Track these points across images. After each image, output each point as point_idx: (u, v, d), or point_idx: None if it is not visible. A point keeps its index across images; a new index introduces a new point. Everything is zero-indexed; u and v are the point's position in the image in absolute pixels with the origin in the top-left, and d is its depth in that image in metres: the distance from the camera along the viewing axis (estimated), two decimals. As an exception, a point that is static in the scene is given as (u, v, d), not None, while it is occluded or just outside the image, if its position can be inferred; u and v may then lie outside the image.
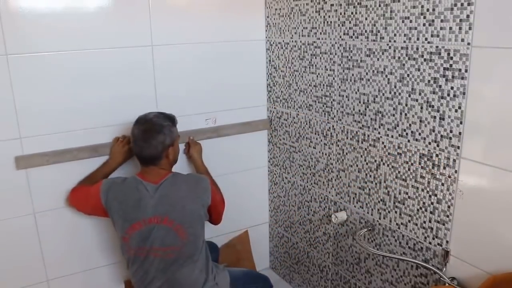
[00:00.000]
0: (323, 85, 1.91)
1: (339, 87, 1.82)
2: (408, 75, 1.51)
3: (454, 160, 1.40)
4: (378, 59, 1.61)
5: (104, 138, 1.91)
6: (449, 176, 1.43)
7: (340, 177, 1.90)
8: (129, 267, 1.77)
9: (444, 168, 1.44)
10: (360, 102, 1.73)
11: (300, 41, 2.00)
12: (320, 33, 1.87)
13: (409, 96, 1.51)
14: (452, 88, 1.37)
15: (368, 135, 1.72)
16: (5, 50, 1.67)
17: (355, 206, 1.84)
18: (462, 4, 1.29)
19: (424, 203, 1.53)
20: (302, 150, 2.12)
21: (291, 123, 2.16)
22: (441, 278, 1.47)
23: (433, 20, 1.39)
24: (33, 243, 1.88)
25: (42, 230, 1.89)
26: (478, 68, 1.29)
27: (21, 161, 1.77)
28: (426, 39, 1.42)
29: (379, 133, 1.67)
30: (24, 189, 1.82)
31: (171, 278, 1.71)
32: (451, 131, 1.40)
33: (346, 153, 1.84)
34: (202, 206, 1.76)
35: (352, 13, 1.69)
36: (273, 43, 2.18)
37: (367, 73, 1.67)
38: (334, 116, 1.88)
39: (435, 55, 1.40)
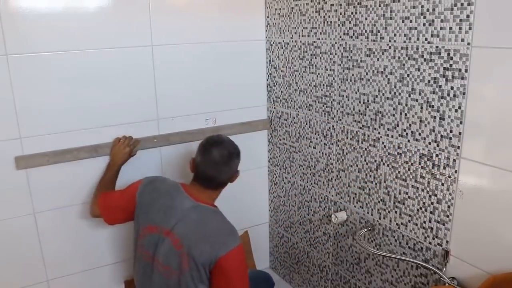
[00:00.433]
0: (323, 85, 1.91)
1: (339, 87, 1.82)
2: (408, 75, 1.51)
3: (454, 160, 1.40)
4: (378, 59, 1.61)
5: (104, 138, 1.91)
6: (449, 176, 1.43)
7: (340, 177, 1.90)
8: (134, 265, 1.74)
9: (444, 168, 1.44)
10: (360, 102, 1.73)
11: (300, 41, 2.00)
12: (320, 33, 1.87)
13: (409, 96, 1.51)
14: (452, 88, 1.37)
15: (368, 135, 1.72)
16: (5, 50, 1.66)
17: (355, 206, 1.84)
18: (462, 4, 1.29)
19: (424, 203, 1.53)
20: (302, 150, 2.12)
21: (291, 123, 2.16)
22: (441, 278, 1.47)
23: (433, 20, 1.39)
24: (33, 243, 1.88)
25: (42, 230, 1.89)
26: (478, 68, 1.29)
27: (21, 161, 1.77)
28: (426, 39, 1.42)
29: (379, 133, 1.67)
30: (24, 189, 1.81)
31: None
32: (451, 131, 1.40)
33: (346, 153, 1.84)
34: (209, 260, 1.54)
35: (352, 13, 1.69)
36: (273, 43, 2.18)
37: (367, 73, 1.67)
38: (334, 116, 1.88)
39: (435, 55, 1.40)
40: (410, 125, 1.53)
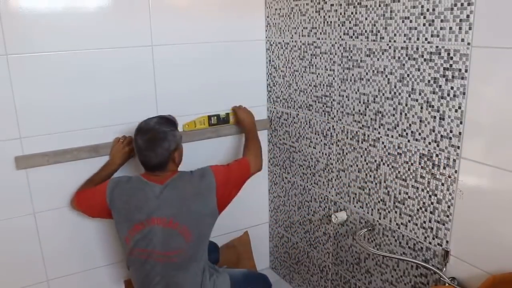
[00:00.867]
0: (323, 85, 1.91)
1: (339, 87, 1.82)
2: (408, 75, 1.51)
3: (454, 160, 1.40)
4: (378, 59, 1.61)
5: (104, 138, 1.91)
6: (449, 176, 1.43)
7: (340, 177, 1.90)
8: (129, 268, 1.77)
9: (444, 168, 1.44)
10: (360, 102, 1.73)
11: (300, 41, 2.00)
12: (320, 33, 1.87)
13: (409, 96, 1.51)
14: (452, 88, 1.37)
15: (368, 135, 1.72)
16: (5, 50, 1.67)
17: (355, 206, 1.84)
18: (462, 4, 1.29)
19: (424, 203, 1.53)
20: (302, 150, 2.12)
21: (291, 123, 2.16)
22: (441, 278, 1.47)
23: (433, 20, 1.39)
24: (33, 243, 1.88)
25: (42, 230, 1.89)
26: (478, 68, 1.29)
27: (21, 161, 1.77)
28: (426, 39, 1.42)
29: (379, 133, 1.67)
30: (24, 189, 1.82)
31: (171, 282, 1.69)
32: (451, 131, 1.40)
33: (346, 153, 1.84)
34: (210, 202, 1.73)
35: (352, 13, 1.69)
36: (273, 43, 2.18)
37: (367, 73, 1.67)
38: (334, 116, 1.88)
39: (435, 55, 1.40)
40: (410, 125, 1.53)
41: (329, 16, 1.81)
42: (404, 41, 1.50)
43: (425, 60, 1.44)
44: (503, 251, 1.31)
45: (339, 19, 1.76)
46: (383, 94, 1.62)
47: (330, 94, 1.88)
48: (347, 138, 1.82)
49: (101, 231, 2.01)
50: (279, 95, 2.21)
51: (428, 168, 1.49)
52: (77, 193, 1.83)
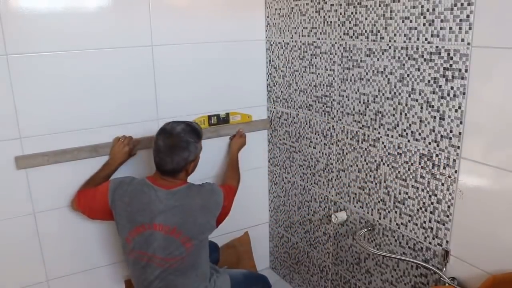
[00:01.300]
0: (323, 85, 1.91)
1: (339, 87, 1.82)
2: (408, 75, 1.51)
3: (454, 160, 1.40)
4: (378, 59, 1.61)
5: (104, 138, 1.91)
6: (449, 176, 1.43)
7: (340, 177, 1.90)
8: (129, 268, 1.77)
9: (444, 168, 1.44)
10: (360, 102, 1.73)
11: (300, 41, 2.00)
12: (320, 33, 1.87)
13: (409, 96, 1.51)
14: (452, 88, 1.37)
15: (368, 135, 1.72)
16: (5, 50, 1.67)
17: (355, 206, 1.84)
18: (462, 4, 1.29)
19: (424, 203, 1.53)
20: (302, 150, 2.12)
21: (291, 123, 2.16)
22: (441, 278, 1.47)
23: (433, 20, 1.39)
24: (33, 243, 1.88)
25: (42, 230, 1.89)
26: (478, 68, 1.29)
27: (21, 161, 1.77)
28: (426, 39, 1.42)
29: (379, 133, 1.67)
30: (24, 189, 1.81)
31: (170, 285, 1.69)
32: (451, 131, 1.40)
33: (346, 153, 1.84)
34: (213, 218, 1.75)
35: (352, 13, 1.69)
36: (273, 43, 2.18)
37: (367, 73, 1.67)
38: (334, 116, 1.88)
39: (435, 55, 1.40)
40: (410, 125, 1.53)
41: (329, 16, 1.81)
42: (404, 41, 1.50)
43: (425, 60, 1.44)
44: (503, 251, 1.31)
45: (339, 19, 1.76)
46: (383, 94, 1.62)
47: (330, 94, 1.88)
48: (347, 138, 1.82)
49: (101, 231, 2.01)
50: (279, 95, 2.21)
51: (428, 168, 1.49)
52: (78, 194, 1.82)
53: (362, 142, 1.75)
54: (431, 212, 1.51)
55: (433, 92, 1.43)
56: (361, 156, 1.76)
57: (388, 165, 1.65)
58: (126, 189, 1.71)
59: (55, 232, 1.92)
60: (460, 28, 1.31)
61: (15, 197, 1.81)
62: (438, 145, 1.45)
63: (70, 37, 1.77)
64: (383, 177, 1.68)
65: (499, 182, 1.29)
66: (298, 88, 2.07)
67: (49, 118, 1.80)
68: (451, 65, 1.36)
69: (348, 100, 1.78)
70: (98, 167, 1.90)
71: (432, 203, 1.50)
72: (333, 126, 1.89)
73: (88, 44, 1.81)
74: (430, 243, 1.54)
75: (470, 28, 1.29)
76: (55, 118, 1.81)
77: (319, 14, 1.86)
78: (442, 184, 1.45)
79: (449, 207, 1.45)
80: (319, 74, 1.92)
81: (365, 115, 1.71)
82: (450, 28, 1.34)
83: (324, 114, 1.93)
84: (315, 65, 1.93)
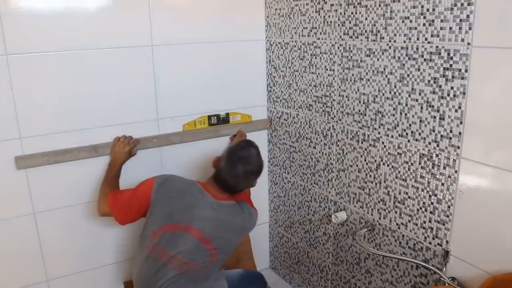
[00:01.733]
0: (323, 85, 1.91)
1: (339, 87, 1.82)
2: (408, 75, 1.51)
3: (454, 160, 1.40)
4: (378, 59, 1.61)
5: (104, 138, 1.91)
6: (449, 176, 1.43)
7: (340, 177, 1.90)
8: (140, 263, 1.69)
9: (444, 168, 1.44)
10: (360, 102, 1.73)
11: (300, 41, 2.00)
12: (320, 33, 1.87)
13: (409, 96, 1.51)
14: (452, 88, 1.37)
15: (368, 135, 1.72)
16: (5, 50, 1.67)
17: (355, 206, 1.84)
18: (462, 4, 1.29)
19: (424, 203, 1.53)
20: (302, 150, 2.12)
21: (291, 123, 2.16)
22: (441, 278, 1.47)
23: (433, 20, 1.39)
24: (33, 243, 1.88)
25: (42, 230, 1.89)
26: (478, 68, 1.29)
27: (21, 161, 1.77)
28: (426, 39, 1.42)
29: (379, 133, 1.67)
30: (24, 189, 1.81)
31: None
32: (451, 131, 1.40)
33: (346, 153, 1.84)
34: (239, 240, 1.81)
35: (352, 13, 1.69)
36: (273, 43, 2.18)
37: (367, 73, 1.67)
38: (334, 116, 1.88)
39: (435, 55, 1.40)
40: (410, 125, 1.53)
41: (329, 16, 1.81)
42: (404, 41, 1.50)
43: (425, 60, 1.44)
44: (503, 251, 1.31)
45: (339, 19, 1.76)
46: (383, 94, 1.62)
47: (330, 94, 1.88)
48: (347, 138, 1.82)
49: (101, 231, 2.01)
50: (279, 95, 2.21)
51: (428, 168, 1.49)
52: (109, 197, 1.74)
53: (362, 142, 1.75)
54: (431, 212, 1.51)
55: (433, 92, 1.43)
56: (361, 156, 1.76)
57: (388, 165, 1.65)
58: (175, 185, 1.72)
59: (55, 232, 1.92)
60: (460, 28, 1.31)
61: (15, 197, 1.81)
62: (438, 145, 1.45)
63: (70, 37, 1.77)
64: (383, 177, 1.68)
65: (499, 182, 1.29)
66: (298, 88, 2.07)
67: (49, 118, 1.80)
68: (451, 65, 1.36)
69: (348, 100, 1.78)
70: (98, 167, 1.90)
71: (432, 203, 1.50)
72: (333, 126, 1.89)
73: (88, 44, 1.81)
74: (430, 243, 1.54)
75: (470, 28, 1.29)
76: (55, 118, 1.81)
77: (319, 14, 1.86)
78: (442, 184, 1.45)
79: (449, 207, 1.45)
80: (319, 74, 1.92)
81: (365, 115, 1.71)
82: (450, 28, 1.34)
83: (324, 114, 1.93)
84: (315, 65, 1.93)
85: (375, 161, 1.70)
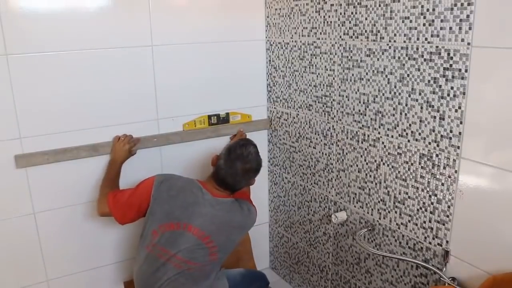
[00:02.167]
0: (323, 85, 1.91)
1: (339, 87, 1.82)
2: (408, 75, 1.51)
3: (454, 160, 1.40)
4: (378, 59, 1.61)
5: (104, 137, 1.91)
6: (449, 176, 1.43)
7: (340, 177, 1.90)
8: (140, 262, 1.70)
9: (444, 168, 1.44)
10: (360, 102, 1.73)
11: (300, 41, 2.00)
12: (320, 33, 1.87)
13: (409, 96, 1.51)
14: (452, 88, 1.37)
15: (368, 135, 1.72)
16: (5, 50, 1.67)
17: (355, 206, 1.84)
18: (462, 4, 1.29)
19: (424, 203, 1.53)
20: (302, 150, 2.12)
21: (291, 123, 2.16)
22: (441, 278, 1.47)
23: (433, 20, 1.39)
24: (33, 243, 1.88)
25: (42, 230, 1.89)
26: (478, 68, 1.29)
27: (21, 159, 1.77)
28: (426, 39, 1.42)
29: (379, 133, 1.67)
30: (24, 188, 1.81)
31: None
32: (451, 131, 1.40)
33: (346, 153, 1.84)
34: (240, 238, 1.82)
35: (352, 13, 1.69)
36: (273, 43, 2.18)
37: (367, 73, 1.67)
38: (334, 116, 1.88)
39: (435, 55, 1.40)
40: (410, 125, 1.53)
41: (329, 16, 1.81)
42: (404, 41, 1.50)
43: (425, 60, 1.44)
44: (503, 251, 1.31)
45: (339, 19, 1.76)
46: (383, 94, 1.62)
47: (330, 94, 1.88)
48: (347, 138, 1.82)
49: (101, 231, 2.01)
50: (279, 95, 2.21)
51: (428, 168, 1.49)
52: (109, 197, 1.73)
53: (362, 142, 1.75)
54: (431, 212, 1.51)
55: (433, 92, 1.43)
56: (361, 156, 1.76)
57: (388, 165, 1.65)
58: (175, 183, 1.73)
59: (55, 232, 1.92)
60: (460, 28, 1.31)
61: (15, 197, 1.81)
62: (438, 145, 1.45)
63: (70, 37, 1.77)
64: (383, 177, 1.68)
65: (499, 182, 1.29)
66: (298, 88, 2.07)
67: (49, 118, 1.80)
68: (451, 65, 1.36)
69: (348, 100, 1.78)
70: (98, 166, 1.90)
71: (432, 203, 1.50)
72: (333, 126, 1.89)
73: (88, 44, 1.81)
74: (430, 243, 1.54)
75: (470, 28, 1.29)
76: (55, 118, 1.81)
77: (319, 14, 1.86)
78: (442, 184, 1.45)
79: (449, 207, 1.45)
80: (319, 74, 1.92)
81: (365, 115, 1.71)
82: (450, 28, 1.34)
83: (324, 114, 1.93)
84: (315, 65, 1.93)
85: (375, 161, 1.70)
